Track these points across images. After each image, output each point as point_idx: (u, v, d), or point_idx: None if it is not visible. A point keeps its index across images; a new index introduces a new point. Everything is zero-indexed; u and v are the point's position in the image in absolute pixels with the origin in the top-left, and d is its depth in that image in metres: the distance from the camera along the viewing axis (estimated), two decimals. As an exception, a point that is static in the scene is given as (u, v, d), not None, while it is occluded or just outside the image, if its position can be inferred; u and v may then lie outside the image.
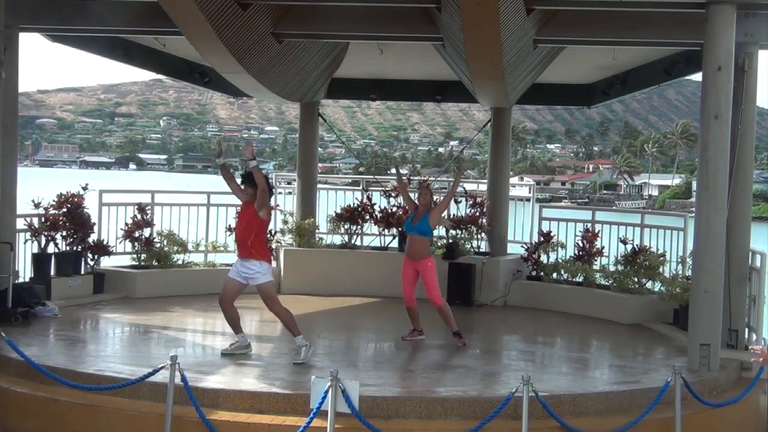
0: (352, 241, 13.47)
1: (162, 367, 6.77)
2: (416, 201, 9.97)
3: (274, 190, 8.65)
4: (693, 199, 50.15)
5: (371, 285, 12.55)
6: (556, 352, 10.24)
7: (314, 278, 12.67)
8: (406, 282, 9.66)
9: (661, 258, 11.61)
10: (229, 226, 13.10)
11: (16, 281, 10.07)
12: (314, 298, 12.18)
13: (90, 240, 11.71)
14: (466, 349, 9.68)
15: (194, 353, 9.08)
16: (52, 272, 11.15)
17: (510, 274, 12.63)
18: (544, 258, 12.71)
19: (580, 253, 12.31)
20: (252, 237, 8.42)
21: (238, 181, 8.73)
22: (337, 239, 13.74)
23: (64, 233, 11.38)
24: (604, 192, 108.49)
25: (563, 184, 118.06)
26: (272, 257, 10.01)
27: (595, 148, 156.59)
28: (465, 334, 9.67)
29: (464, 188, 14.87)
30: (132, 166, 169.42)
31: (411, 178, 14.83)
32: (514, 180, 17.70)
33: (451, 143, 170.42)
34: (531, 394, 6.54)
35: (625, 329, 10.88)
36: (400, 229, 13.15)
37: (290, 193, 14.60)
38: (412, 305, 9.68)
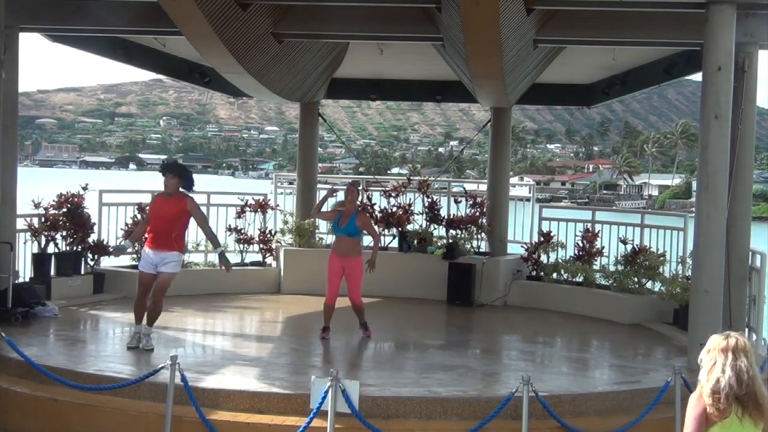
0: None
1: (162, 367, 6.77)
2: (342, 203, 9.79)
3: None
4: (693, 199, 50.12)
5: (371, 285, 12.48)
6: (556, 352, 10.24)
7: (314, 278, 12.60)
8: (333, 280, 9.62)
9: (661, 258, 11.61)
10: (229, 226, 13.12)
11: (16, 281, 10.07)
12: (314, 298, 12.14)
13: (90, 240, 11.71)
14: (466, 349, 9.69)
15: (194, 353, 9.08)
16: (52, 272, 11.15)
17: (510, 274, 12.63)
18: (544, 258, 12.71)
19: (580, 253, 12.31)
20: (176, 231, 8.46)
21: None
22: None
23: (64, 233, 11.38)
24: (604, 192, 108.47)
25: (563, 184, 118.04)
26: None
27: (595, 148, 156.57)
28: (465, 334, 9.67)
29: (464, 188, 14.89)
30: (132, 166, 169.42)
31: (411, 178, 14.82)
32: (514, 180, 17.70)
33: (451, 143, 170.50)
34: (531, 394, 6.54)
35: (625, 329, 10.88)
36: (400, 229, 13.15)
37: (291, 193, 14.59)
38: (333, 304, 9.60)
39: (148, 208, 9.15)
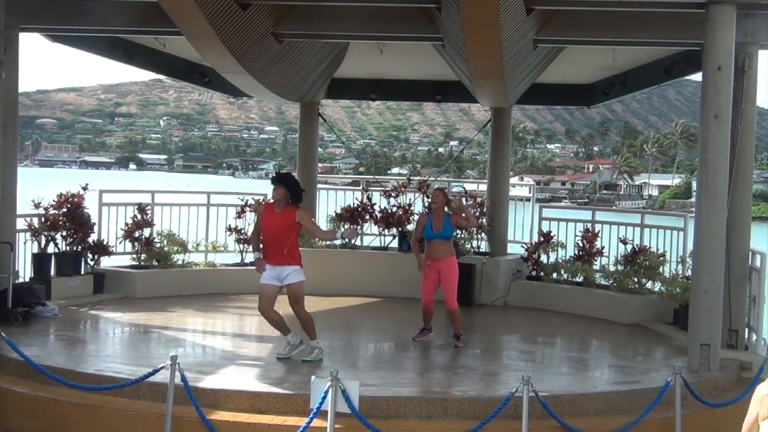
0: (352, 241, 13.47)
1: (162, 367, 6.77)
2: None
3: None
4: (693, 199, 50.17)
5: (371, 285, 12.56)
6: (556, 352, 10.24)
7: (314, 278, 12.59)
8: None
9: (661, 258, 11.62)
10: (229, 226, 13.11)
11: (16, 281, 10.07)
12: (314, 298, 12.12)
13: (90, 240, 11.71)
14: (466, 350, 9.69)
15: (194, 353, 9.08)
16: (52, 272, 11.15)
17: (510, 274, 12.63)
18: (544, 258, 12.71)
19: (580, 253, 12.31)
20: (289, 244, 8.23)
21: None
22: (337, 240, 13.73)
23: (64, 233, 11.38)
24: (604, 192, 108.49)
25: (563, 184, 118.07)
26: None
27: (595, 148, 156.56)
28: (465, 334, 9.67)
29: (464, 188, 14.90)
30: (132, 166, 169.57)
31: (411, 177, 14.83)
32: (514, 180, 17.71)
33: (451, 143, 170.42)
34: (531, 394, 6.54)
35: (625, 329, 10.88)
36: (400, 229, 13.15)
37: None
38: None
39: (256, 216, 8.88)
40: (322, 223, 13.77)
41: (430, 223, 9.47)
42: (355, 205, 13.44)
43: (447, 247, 9.51)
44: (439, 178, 17.93)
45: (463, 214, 9.57)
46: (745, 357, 8.92)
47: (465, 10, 8.23)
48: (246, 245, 13.15)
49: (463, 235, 13.03)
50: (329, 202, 14.35)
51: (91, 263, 11.80)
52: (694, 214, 9.22)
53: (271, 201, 8.42)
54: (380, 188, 14.18)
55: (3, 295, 9.66)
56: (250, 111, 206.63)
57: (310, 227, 8.43)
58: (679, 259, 11.54)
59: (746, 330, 9.39)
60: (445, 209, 9.53)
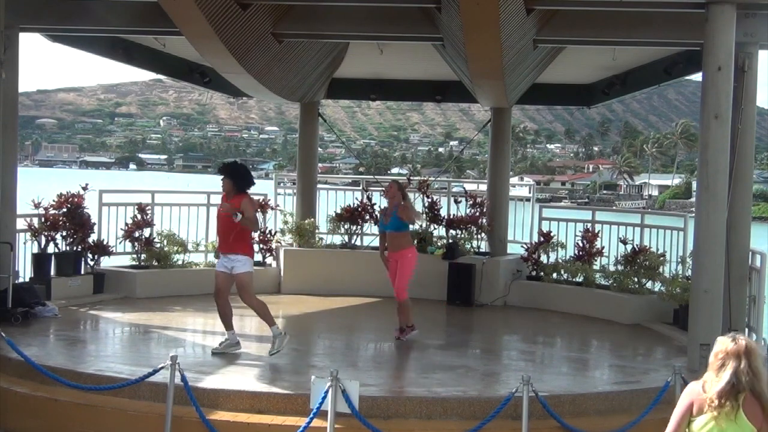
0: (352, 241, 13.47)
1: (162, 367, 6.77)
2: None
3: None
4: (693, 199, 50.16)
5: (371, 285, 12.54)
6: (556, 352, 10.24)
7: (314, 278, 12.67)
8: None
9: (661, 258, 11.61)
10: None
11: (16, 281, 10.06)
12: (314, 298, 12.18)
13: (90, 240, 11.70)
14: (466, 349, 9.70)
15: (194, 353, 9.08)
16: (52, 272, 11.15)
17: (510, 274, 12.62)
18: (544, 258, 12.70)
19: (580, 253, 12.30)
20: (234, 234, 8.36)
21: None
22: (337, 239, 13.73)
23: (64, 233, 11.38)
24: (604, 192, 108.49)
25: (563, 184, 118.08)
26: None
27: (595, 148, 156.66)
28: (465, 334, 9.67)
29: (464, 188, 14.89)
30: (132, 166, 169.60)
31: (411, 177, 14.82)
32: (514, 180, 17.71)
33: (451, 143, 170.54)
34: (531, 394, 6.54)
35: (625, 329, 10.88)
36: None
37: (292, 194, 14.58)
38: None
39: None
40: (322, 223, 13.79)
41: (384, 215, 9.57)
42: (355, 205, 13.45)
43: (400, 239, 9.57)
44: (439, 178, 17.91)
45: (402, 203, 9.56)
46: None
47: (465, 10, 8.23)
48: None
49: (463, 235, 13.04)
50: (329, 202, 14.35)
51: (91, 263, 11.80)
52: (694, 214, 9.22)
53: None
54: (380, 188, 14.17)
55: (3, 295, 9.66)
56: (250, 111, 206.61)
57: (247, 215, 8.35)
58: (679, 259, 11.54)
59: (746, 330, 9.39)
60: (401, 201, 9.58)
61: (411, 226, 10.05)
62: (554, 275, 12.43)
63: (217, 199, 13.43)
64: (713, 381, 4.04)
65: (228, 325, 8.61)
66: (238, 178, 8.47)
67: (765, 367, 4.10)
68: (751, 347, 4.06)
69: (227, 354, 8.47)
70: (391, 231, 9.57)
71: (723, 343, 4.12)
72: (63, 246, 11.40)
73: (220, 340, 8.66)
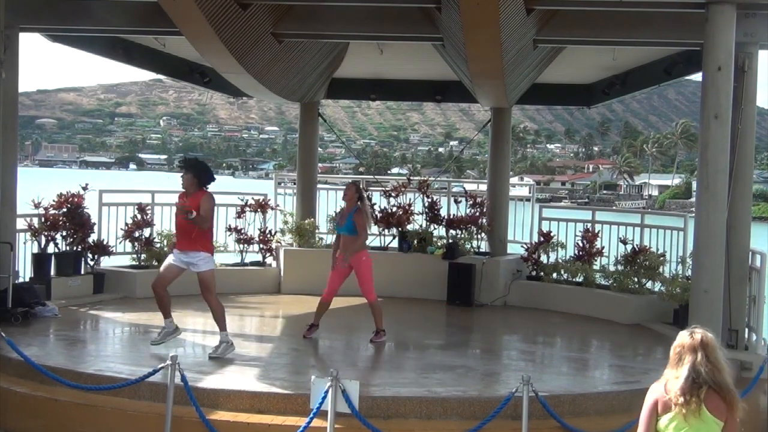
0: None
1: (162, 367, 6.77)
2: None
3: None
4: (693, 199, 50.14)
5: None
6: (556, 352, 10.24)
7: (314, 278, 12.60)
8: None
9: (661, 258, 11.61)
10: (229, 226, 13.10)
11: (16, 281, 10.07)
12: (314, 298, 12.09)
13: (90, 240, 11.71)
14: (466, 349, 9.69)
15: (194, 353, 9.07)
16: (52, 272, 11.14)
17: (510, 274, 12.62)
18: (544, 258, 12.70)
19: (580, 253, 12.30)
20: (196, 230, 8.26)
21: None
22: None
23: (64, 233, 11.38)
24: (604, 192, 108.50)
25: (563, 184, 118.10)
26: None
27: (595, 148, 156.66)
28: (465, 334, 9.66)
29: (464, 188, 14.89)
30: (132, 166, 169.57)
31: (411, 177, 14.83)
32: (514, 180, 17.70)
33: (451, 143, 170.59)
34: (531, 394, 6.54)
35: (625, 329, 10.88)
36: (400, 229, 13.14)
37: (292, 194, 14.58)
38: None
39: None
40: (323, 223, 13.79)
41: (340, 216, 9.48)
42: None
43: (353, 243, 9.37)
44: (439, 178, 17.91)
45: (359, 206, 9.38)
46: (745, 357, 8.91)
47: (465, 10, 8.22)
48: (246, 245, 13.17)
49: (463, 235, 13.04)
50: (329, 202, 14.34)
51: (91, 263, 11.80)
52: (694, 214, 9.22)
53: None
54: (380, 188, 14.18)
55: (3, 295, 9.66)
56: (250, 111, 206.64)
57: (203, 213, 8.22)
58: (679, 259, 11.54)
59: (746, 330, 9.38)
60: (358, 204, 9.46)
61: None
62: (554, 275, 12.43)
63: (216, 199, 13.44)
64: (673, 378, 4.06)
65: (167, 313, 8.56)
66: (201, 171, 8.39)
67: (725, 360, 4.10)
68: (707, 340, 4.06)
69: (220, 355, 8.39)
70: (345, 234, 9.42)
71: (681, 337, 4.16)
72: (63, 246, 11.40)
73: (214, 344, 8.58)
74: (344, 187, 9.97)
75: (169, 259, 8.50)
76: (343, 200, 9.65)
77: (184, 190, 8.47)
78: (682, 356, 4.05)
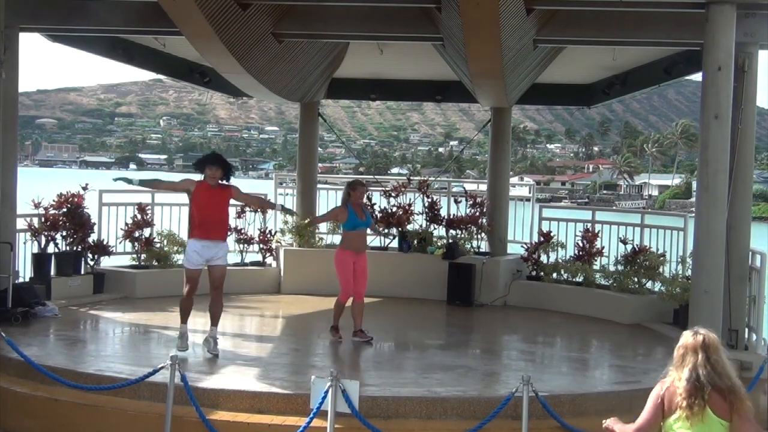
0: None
1: (162, 367, 6.77)
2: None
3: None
4: (693, 199, 50.15)
5: (371, 285, 12.46)
6: (556, 352, 10.24)
7: (314, 278, 12.65)
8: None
9: (661, 258, 11.61)
10: (229, 225, 13.08)
11: (16, 281, 10.07)
12: (314, 298, 12.17)
13: (90, 240, 11.71)
14: (466, 350, 9.68)
15: (194, 353, 9.05)
16: (52, 272, 11.14)
17: (510, 274, 12.62)
18: (544, 258, 12.70)
19: (580, 253, 12.30)
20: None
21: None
22: (337, 239, 13.70)
23: (64, 233, 11.38)
24: (604, 192, 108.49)
25: (563, 184, 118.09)
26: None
27: (595, 148, 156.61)
28: (465, 334, 9.65)
29: (464, 188, 14.88)
30: (132, 166, 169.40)
31: (411, 177, 14.83)
32: (514, 180, 17.66)
33: (451, 143, 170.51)
34: (531, 394, 6.54)
35: (625, 329, 10.88)
36: (400, 229, 13.14)
37: (291, 194, 14.58)
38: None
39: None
40: (322, 223, 13.76)
41: (355, 213, 9.52)
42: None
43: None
44: (439, 178, 17.90)
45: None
46: (745, 357, 8.91)
47: (465, 10, 8.23)
48: (246, 245, 13.16)
49: (463, 235, 13.04)
50: (329, 201, 14.32)
51: (91, 263, 11.80)
52: (694, 214, 9.22)
53: (202, 180, 8.54)
54: (380, 188, 14.18)
55: (3, 295, 9.66)
56: (250, 111, 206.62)
57: (246, 198, 9.38)
58: (679, 259, 11.54)
59: (746, 330, 9.38)
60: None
61: (341, 225, 9.92)
62: (554, 275, 12.42)
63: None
64: (677, 379, 4.10)
65: (186, 318, 8.57)
66: (228, 168, 8.72)
67: (728, 360, 4.11)
68: (708, 341, 4.07)
69: (222, 353, 8.40)
70: (365, 228, 9.74)
71: (684, 337, 4.17)
72: (63, 246, 11.40)
73: (211, 344, 8.56)
74: (344, 187, 9.97)
75: (190, 264, 8.49)
76: (359, 199, 9.65)
77: (204, 182, 8.51)
78: (685, 357, 4.06)
